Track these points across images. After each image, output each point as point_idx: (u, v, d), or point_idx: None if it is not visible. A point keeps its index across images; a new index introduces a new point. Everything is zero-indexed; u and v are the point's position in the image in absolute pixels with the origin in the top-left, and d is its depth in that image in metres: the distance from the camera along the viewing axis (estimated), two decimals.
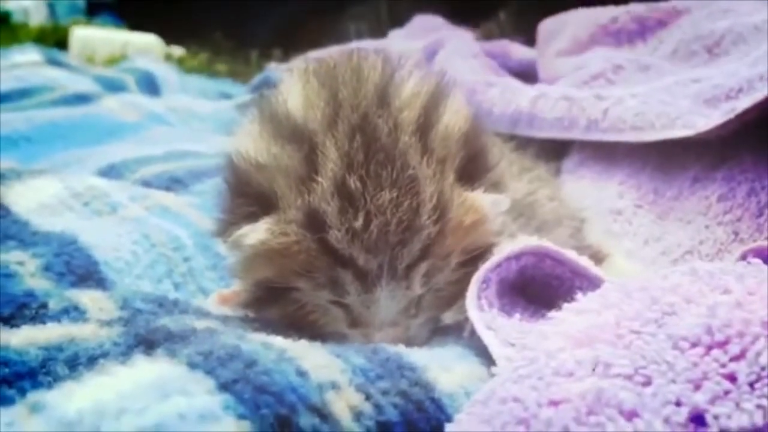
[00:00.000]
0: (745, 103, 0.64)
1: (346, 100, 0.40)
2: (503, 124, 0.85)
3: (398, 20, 1.54)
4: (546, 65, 1.04)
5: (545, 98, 0.83)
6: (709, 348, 0.29)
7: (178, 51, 1.72)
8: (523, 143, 0.82)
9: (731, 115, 0.65)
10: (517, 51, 1.19)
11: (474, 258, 0.43)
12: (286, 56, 1.68)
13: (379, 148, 0.39)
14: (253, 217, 0.39)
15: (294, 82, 0.43)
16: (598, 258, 0.66)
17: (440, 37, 1.10)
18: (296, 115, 0.41)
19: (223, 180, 0.43)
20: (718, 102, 0.69)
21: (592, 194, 0.75)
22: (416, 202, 0.39)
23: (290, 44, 1.73)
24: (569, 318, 0.33)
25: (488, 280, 0.43)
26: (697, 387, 0.27)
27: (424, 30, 1.34)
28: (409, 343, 0.40)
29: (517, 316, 0.42)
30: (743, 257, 0.49)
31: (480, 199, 0.42)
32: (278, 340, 0.34)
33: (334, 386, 0.31)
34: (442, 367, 0.36)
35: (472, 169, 0.43)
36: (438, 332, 0.44)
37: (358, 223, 0.38)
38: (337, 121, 0.40)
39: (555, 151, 0.85)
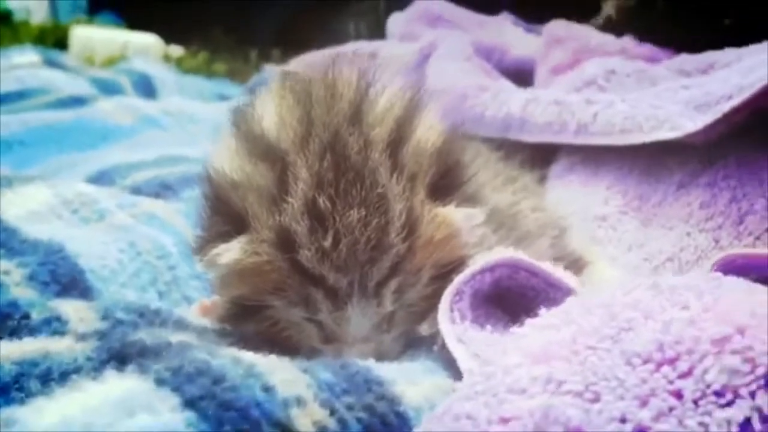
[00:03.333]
0: (732, 102, 0.65)
1: (319, 118, 0.41)
2: (495, 129, 0.86)
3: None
4: (541, 78, 1.04)
5: (536, 102, 0.83)
6: (659, 365, 0.30)
7: (177, 51, 1.73)
8: (513, 149, 0.84)
9: (718, 116, 0.65)
10: (515, 48, 1.19)
11: (448, 272, 0.44)
12: (285, 56, 1.68)
13: (349, 167, 0.40)
14: (227, 236, 0.40)
15: (269, 99, 0.44)
16: (579, 265, 0.67)
17: (434, 39, 1.10)
18: (269, 133, 0.42)
19: (202, 195, 0.44)
20: (707, 108, 0.70)
21: (578, 200, 0.76)
22: (385, 220, 0.40)
23: (289, 43, 1.74)
24: (530, 333, 0.34)
25: (461, 292, 0.44)
26: (644, 403, 0.28)
27: (423, 18, 1.34)
28: (382, 357, 0.41)
29: (489, 328, 0.43)
30: (716, 267, 0.50)
31: (451, 214, 0.43)
32: (248, 356, 0.35)
33: (299, 402, 0.32)
34: (409, 381, 0.37)
35: (445, 184, 0.43)
36: (413, 344, 0.45)
37: (328, 243, 0.39)
38: (309, 140, 0.40)
39: (545, 157, 0.85)
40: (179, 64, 1.54)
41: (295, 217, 0.39)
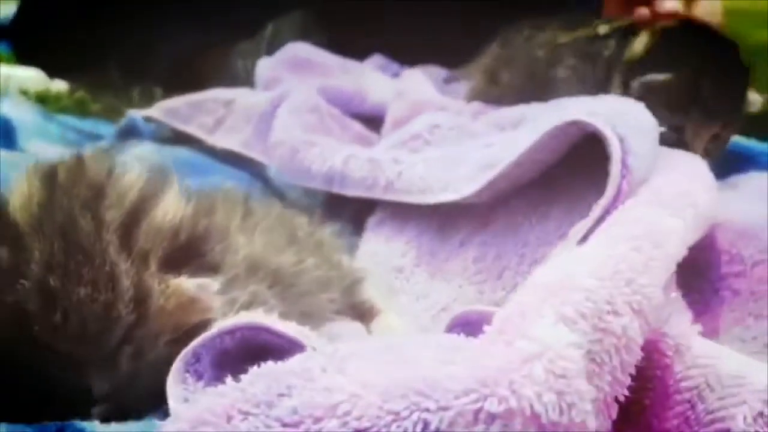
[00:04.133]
0: (494, 172, 0.73)
1: (57, 201, 0.47)
2: (320, 181, 0.92)
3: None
4: (386, 128, 1.12)
5: (355, 159, 0.90)
6: (287, 426, 0.36)
7: (59, 85, 1.74)
8: (342, 201, 0.91)
9: (483, 183, 0.73)
10: (374, 95, 1.26)
11: (190, 334, 0.50)
12: (167, 95, 1.71)
13: (79, 249, 0.45)
14: None
15: (21, 181, 0.49)
16: (372, 313, 0.74)
17: (284, 90, 1.16)
18: (13, 216, 0.47)
19: None
20: (489, 169, 0.78)
21: (383, 251, 0.83)
22: (113, 295, 0.45)
23: (178, 81, 1.77)
24: (202, 399, 0.40)
25: (198, 354, 0.49)
26: None
27: (289, 64, 1.40)
28: (124, 416, 0.46)
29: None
30: (456, 320, 0.58)
31: (183, 284, 0.48)
32: None
33: None
34: None
35: (180, 258, 0.49)
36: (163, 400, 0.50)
37: (57, 318, 0.44)
38: (44, 223, 0.46)
39: (369, 209, 0.92)
40: (55, 102, 1.56)
41: (27, 296, 0.44)
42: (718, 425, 0.43)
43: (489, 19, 1.54)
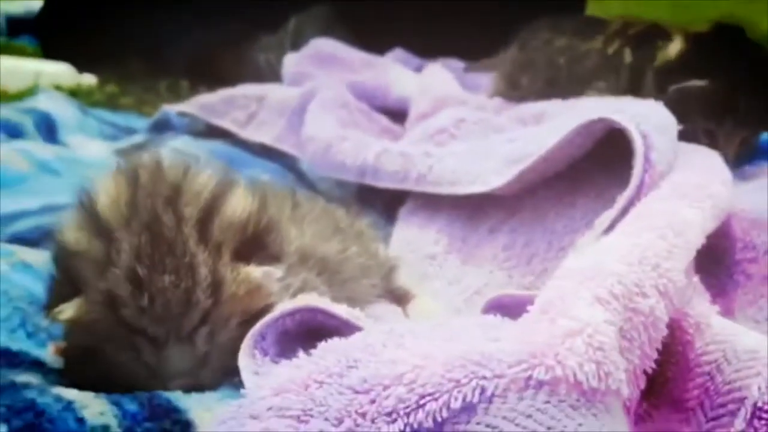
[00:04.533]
0: (523, 165, 0.78)
1: (141, 200, 0.52)
2: (353, 174, 0.98)
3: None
4: (410, 121, 1.17)
5: (387, 153, 0.96)
6: (358, 393, 0.41)
7: (89, 79, 1.79)
8: (374, 192, 0.96)
9: (512, 176, 0.79)
10: (398, 89, 1.31)
11: (256, 316, 0.55)
12: (193, 88, 1.76)
13: (163, 241, 0.51)
14: (67, 296, 0.51)
15: (106, 182, 0.55)
16: (407, 298, 0.79)
17: (314, 86, 1.21)
18: (102, 213, 0.52)
19: (52, 258, 0.55)
20: (518, 163, 0.83)
21: (416, 240, 0.88)
22: (192, 282, 0.51)
23: (201, 74, 1.82)
24: (280, 371, 0.45)
25: (264, 334, 0.55)
26: (340, 422, 0.40)
27: (315, 59, 1.46)
28: (200, 389, 0.52)
29: (284, 361, 0.54)
30: (490, 304, 0.63)
31: (253, 272, 0.54)
32: (71, 393, 0.46)
33: (105, 428, 0.43)
34: (205, 408, 0.48)
35: (249, 249, 0.55)
36: (234, 374, 0.56)
37: (144, 302, 0.50)
38: (132, 220, 0.52)
39: (400, 199, 0.97)
40: (87, 96, 1.62)
41: (118, 283, 0.50)
42: (735, 394, 0.48)
43: (506, 13, 1.59)
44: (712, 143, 0.86)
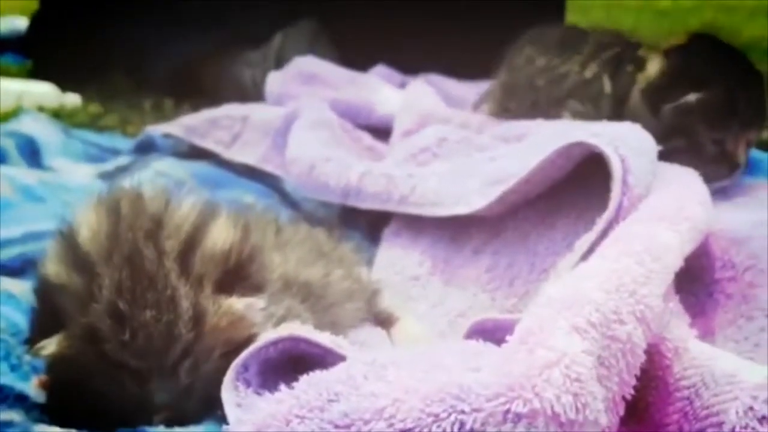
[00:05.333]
0: (503, 186, 0.79)
1: (123, 233, 0.52)
2: (337, 195, 0.98)
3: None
4: (395, 138, 1.17)
5: (370, 174, 0.96)
6: (339, 428, 0.42)
7: (73, 99, 1.79)
8: (356, 213, 0.96)
9: (494, 197, 0.79)
10: (382, 106, 1.32)
11: (239, 347, 0.56)
12: (177, 106, 1.75)
13: (144, 275, 0.51)
14: (49, 331, 0.51)
15: (87, 213, 0.55)
16: (390, 321, 0.79)
17: (297, 106, 1.22)
18: (83, 247, 0.52)
19: (33, 290, 0.55)
20: (500, 184, 0.84)
21: (399, 261, 0.89)
22: (174, 315, 0.51)
23: (184, 89, 1.82)
24: (262, 406, 0.45)
25: (247, 364, 0.55)
26: None
27: (298, 78, 1.46)
28: (183, 422, 0.52)
29: (267, 393, 0.54)
30: (473, 328, 0.63)
31: (235, 303, 0.54)
32: (52, 430, 0.46)
33: None
34: None
35: (231, 280, 0.55)
36: (217, 407, 0.56)
37: (126, 337, 0.50)
38: (113, 254, 0.52)
39: (384, 221, 0.98)
40: (70, 118, 1.61)
41: (99, 317, 0.50)
42: (713, 419, 0.48)
43: (489, 30, 1.60)
44: (722, 151, 0.87)
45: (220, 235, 0.56)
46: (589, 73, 0.98)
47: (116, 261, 0.51)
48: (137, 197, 0.55)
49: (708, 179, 0.76)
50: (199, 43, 1.91)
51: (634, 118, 0.81)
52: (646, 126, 0.75)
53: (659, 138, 0.74)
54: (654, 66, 0.93)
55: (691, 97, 0.88)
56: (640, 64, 0.93)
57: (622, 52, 0.97)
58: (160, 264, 0.52)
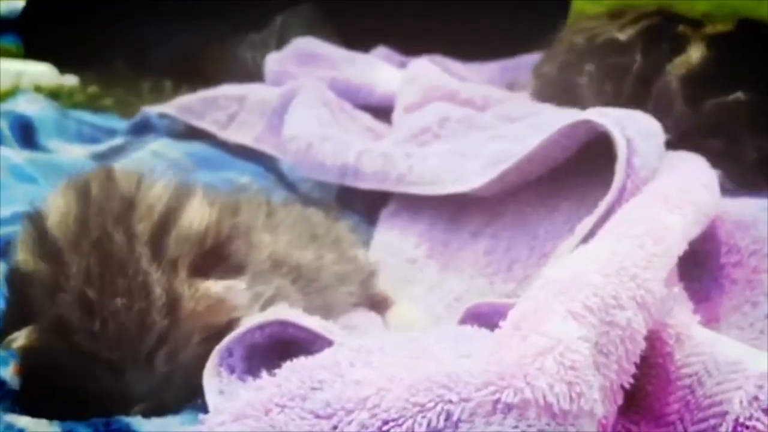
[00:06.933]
0: (505, 165, 0.76)
1: (92, 217, 0.50)
2: (334, 175, 0.96)
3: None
4: (397, 116, 1.15)
5: (368, 153, 0.93)
6: (320, 418, 0.40)
7: (71, 80, 1.77)
8: (353, 196, 0.94)
9: (494, 176, 0.77)
10: (381, 86, 1.29)
11: (221, 332, 0.53)
12: (176, 88, 1.73)
13: (113, 261, 0.48)
14: (19, 323, 0.48)
15: (56, 198, 0.52)
16: (386, 304, 0.77)
17: (295, 85, 1.19)
18: (51, 233, 0.50)
19: (5, 280, 0.52)
20: (499, 163, 0.81)
21: (396, 243, 0.86)
22: (146, 302, 0.48)
23: (186, 74, 1.79)
24: (241, 394, 0.43)
25: (231, 349, 0.53)
26: None
27: (297, 58, 1.43)
28: (161, 412, 0.50)
29: (251, 379, 0.52)
30: (469, 312, 0.61)
31: (212, 287, 0.51)
32: (24, 420, 0.44)
33: None
34: None
35: (207, 262, 0.52)
36: (199, 395, 0.53)
37: (96, 327, 0.47)
38: (81, 240, 0.49)
39: (382, 200, 0.95)
40: (68, 98, 1.59)
41: (68, 308, 0.48)
42: (716, 408, 0.46)
43: (491, 10, 1.56)
44: (763, 159, 0.79)
45: (196, 216, 0.53)
46: (623, 36, 0.90)
47: (84, 247, 0.49)
48: (108, 178, 0.52)
49: (741, 186, 0.70)
50: (201, 30, 1.90)
51: (663, 103, 0.75)
52: (680, 117, 0.69)
53: (694, 134, 0.68)
54: (696, 52, 0.84)
55: (741, 95, 0.79)
56: (679, 45, 0.84)
57: (661, 25, 0.89)
58: (130, 248, 0.49)
